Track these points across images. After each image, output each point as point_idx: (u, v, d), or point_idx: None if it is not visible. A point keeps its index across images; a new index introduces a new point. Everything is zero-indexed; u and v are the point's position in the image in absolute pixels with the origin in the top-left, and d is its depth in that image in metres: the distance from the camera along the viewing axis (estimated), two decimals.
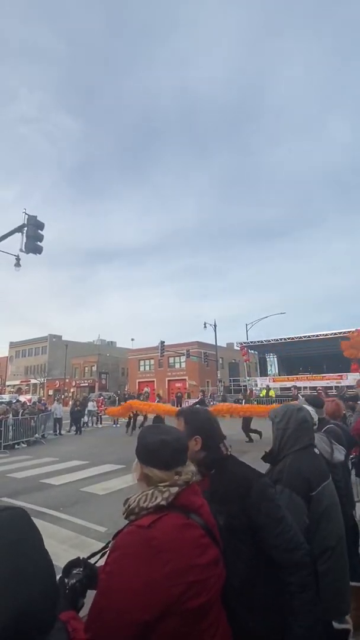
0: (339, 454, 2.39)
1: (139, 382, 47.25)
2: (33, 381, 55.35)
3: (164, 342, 33.50)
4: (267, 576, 1.25)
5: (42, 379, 53.75)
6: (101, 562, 1.10)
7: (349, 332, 25.71)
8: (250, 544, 1.26)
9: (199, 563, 1.00)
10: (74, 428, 16.98)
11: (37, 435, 14.37)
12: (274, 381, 29.44)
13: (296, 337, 28.51)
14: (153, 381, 45.88)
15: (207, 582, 1.01)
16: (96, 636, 0.91)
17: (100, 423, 19.83)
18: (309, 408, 2.45)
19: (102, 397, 20.35)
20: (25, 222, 10.96)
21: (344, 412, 3.76)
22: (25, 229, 10.94)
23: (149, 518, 1.02)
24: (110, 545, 1.06)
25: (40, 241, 11.11)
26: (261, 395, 21.75)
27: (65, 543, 4.44)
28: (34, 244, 10.96)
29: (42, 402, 23.62)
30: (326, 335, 27.34)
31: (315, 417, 2.60)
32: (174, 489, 1.08)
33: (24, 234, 10.94)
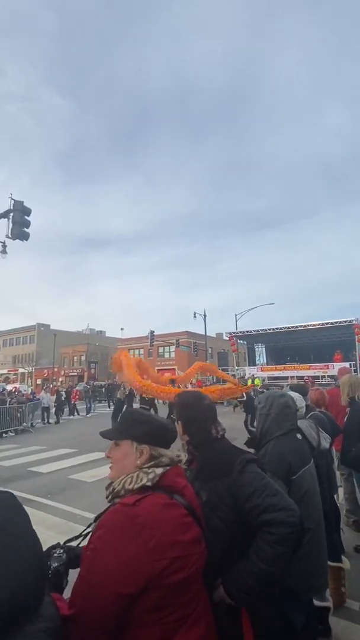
0: (325, 442, 2.45)
1: None
2: (21, 370, 54.87)
3: (153, 331, 33.52)
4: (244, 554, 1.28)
5: (30, 368, 53.33)
6: (84, 544, 1.12)
7: (336, 322, 26.11)
8: (230, 522, 1.28)
9: (182, 540, 1.04)
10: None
11: (25, 424, 14.32)
12: (262, 370, 29.84)
13: (284, 328, 28.83)
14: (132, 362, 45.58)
15: (188, 558, 1.04)
16: (81, 610, 0.94)
17: (77, 414, 19.13)
18: (295, 395, 2.49)
19: (76, 389, 20.16)
20: (11, 208, 10.70)
21: (326, 400, 3.82)
22: (12, 214, 10.69)
23: (134, 497, 1.06)
24: (93, 526, 1.09)
25: (27, 227, 10.88)
26: (256, 383, 22.01)
27: (53, 529, 4.47)
28: (20, 230, 10.73)
29: (32, 391, 23.52)
30: (314, 325, 27.72)
31: (303, 404, 2.65)
32: (159, 470, 1.12)
33: (10, 220, 10.69)
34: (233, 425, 12.28)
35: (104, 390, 23.87)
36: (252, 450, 1.98)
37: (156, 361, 46.05)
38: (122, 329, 61.93)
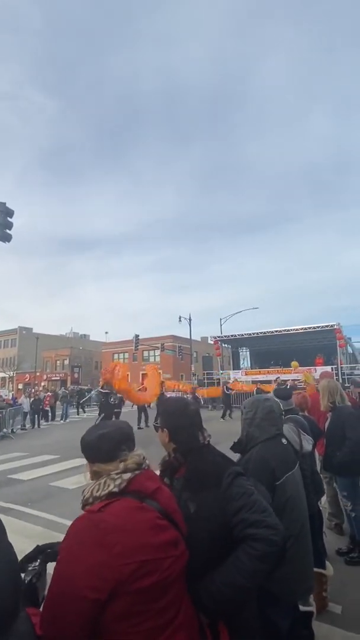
0: (307, 444, 2.47)
1: None
2: (2, 375, 53.60)
3: (138, 335, 33.34)
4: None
5: (12, 373, 52.14)
6: None
7: (318, 326, 26.60)
8: (216, 533, 1.26)
9: (152, 542, 1.02)
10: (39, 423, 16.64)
11: (5, 429, 13.95)
12: (246, 374, 30.07)
13: (268, 332, 29.15)
14: (127, 375, 45.44)
15: (161, 562, 1.02)
16: (51, 622, 0.92)
17: (52, 420, 18.80)
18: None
19: (49, 393, 19.76)
20: None
21: (309, 404, 3.86)
22: None
23: (101, 504, 1.05)
24: None
25: (10, 229, 10.67)
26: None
27: (33, 538, 4.34)
28: (2, 232, 10.50)
29: (13, 396, 22.92)
30: (296, 330, 28.14)
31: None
32: (126, 475, 1.12)
33: None
34: (219, 429, 12.56)
35: (79, 395, 23.26)
36: (237, 455, 1.99)
37: (141, 365, 45.78)
38: (106, 332, 61.43)
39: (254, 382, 26.11)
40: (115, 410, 12.31)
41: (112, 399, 11.96)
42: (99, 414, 12.01)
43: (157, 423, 1.70)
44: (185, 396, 17.78)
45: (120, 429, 1.23)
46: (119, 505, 1.04)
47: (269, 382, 22.46)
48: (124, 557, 0.96)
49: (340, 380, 16.57)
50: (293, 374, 22.46)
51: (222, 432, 11.31)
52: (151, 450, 1.46)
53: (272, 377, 24.90)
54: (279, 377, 17.75)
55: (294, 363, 17.88)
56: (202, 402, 20.57)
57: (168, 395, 14.18)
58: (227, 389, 18.49)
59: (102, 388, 12.55)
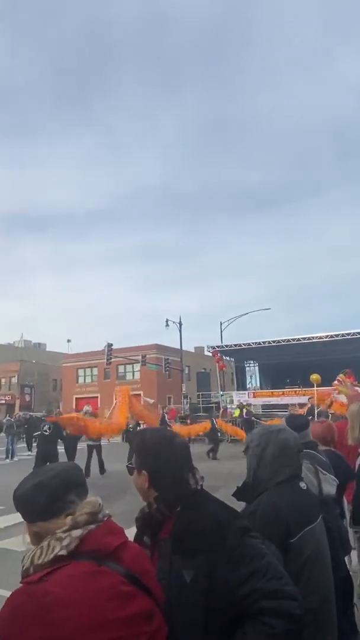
0: (330, 486, 2.50)
1: (76, 399, 46.64)
2: None
3: (111, 344, 33.35)
4: None
5: None
6: None
7: (348, 334, 26.95)
8: (218, 608, 1.27)
9: (115, 617, 1.02)
10: None
11: None
12: (254, 396, 30.28)
13: (283, 341, 29.45)
14: (96, 397, 45.41)
15: None
16: None
17: None
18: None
19: None
20: None
21: (335, 436, 3.91)
22: None
23: (43, 572, 1.05)
24: None
25: None
26: (235, 415, 22.25)
27: None
28: None
29: None
30: (320, 338, 28.50)
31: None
32: (77, 532, 1.11)
33: None
34: (215, 469, 12.53)
35: (29, 425, 22.99)
36: (242, 504, 2.00)
37: (115, 384, 45.58)
38: (69, 340, 61.29)
39: (264, 406, 26.24)
40: (69, 444, 12.07)
41: (45, 428, 11.79)
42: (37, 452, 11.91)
43: (131, 463, 1.72)
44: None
45: (65, 472, 1.23)
46: (68, 571, 1.04)
47: (284, 406, 22.62)
48: (82, 637, 0.96)
49: None
50: (305, 395, 22.63)
51: (221, 474, 11.37)
52: (127, 499, 1.46)
53: (288, 399, 25.10)
54: (311, 398, 17.83)
55: (315, 377, 17.88)
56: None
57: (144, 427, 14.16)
58: (248, 415, 18.75)
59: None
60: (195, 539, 1.34)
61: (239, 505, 1.98)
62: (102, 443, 14.21)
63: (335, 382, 19.42)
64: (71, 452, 13.13)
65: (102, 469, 13.40)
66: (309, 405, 18.84)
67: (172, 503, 1.43)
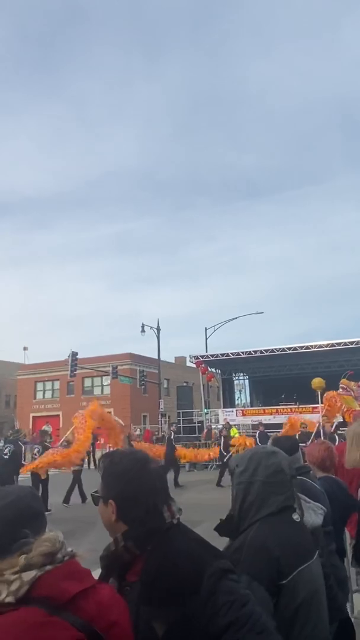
0: (314, 515, 2.51)
1: (33, 417, 46.11)
2: None
3: (77, 353, 33.09)
4: None
5: None
6: None
7: (353, 342, 27.29)
8: None
9: None
10: None
11: None
12: (243, 414, 30.39)
13: (278, 349, 29.65)
14: (58, 415, 45.02)
15: None
16: None
17: None
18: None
19: None
20: None
21: (336, 460, 3.94)
22: None
23: None
24: None
25: None
26: (232, 434, 22.28)
27: None
28: None
29: None
30: (320, 346, 28.79)
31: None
32: (29, 575, 1.10)
33: None
34: (198, 501, 12.47)
35: None
36: (226, 540, 2.00)
37: (80, 400, 45.24)
38: (25, 348, 59.89)
39: (255, 426, 26.37)
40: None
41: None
42: None
43: (97, 492, 1.71)
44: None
45: (18, 501, 1.22)
46: (11, 618, 1.02)
47: (278, 425, 22.77)
48: None
49: None
50: (314, 414, 22.83)
51: (204, 506, 11.33)
52: (96, 535, 1.46)
53: (282, 417, 25.26)
54: (323, 418, 17.88)
55: (318, 381, 17.79)
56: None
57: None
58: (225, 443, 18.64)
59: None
60: (166, 584, 1.33)
61: (222, 542, 1.99)
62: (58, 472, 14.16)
63: (340, 389, 19.68)
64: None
65: (77, 498, 13.43)
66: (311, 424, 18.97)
67: (142, 540, 1.42)
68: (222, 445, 18.44)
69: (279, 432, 17.14)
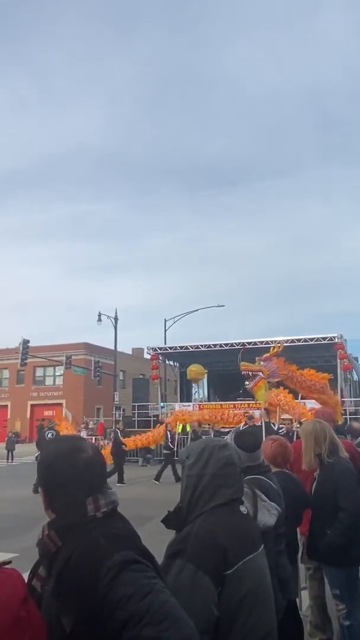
0: (268, 515, 2.55)
1: None
2: None
3: (28, 341, 32.52)
4: None
5: None
6: None
7: (312, 339, 27.87)
8: None
9: None
10: None
11: None
12: (200, 409, 30.57)
13: (237, 344, 29.97)
14: (6, 406, 44.25)
15: None
16: None
17: None
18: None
19: None
20: None
21: (290, 456, 4.01)
22: None
23: None
24: None
25: None
26: (178, 431, 22.38)
27: None
28: None
29: None
30: (279, 342, 29.23)
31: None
32: None
33: None
34: (151, 496, 12.50)
35: None
36: (172, 532, 2.03)
37: (30, 391, 44.61)
38: None
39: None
40: None
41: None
42: None
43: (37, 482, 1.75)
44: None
45: None
46: None
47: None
48: None
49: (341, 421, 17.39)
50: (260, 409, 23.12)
51: (156, 502, 11.35)
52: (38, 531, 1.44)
53: (238, 412, 25.58)
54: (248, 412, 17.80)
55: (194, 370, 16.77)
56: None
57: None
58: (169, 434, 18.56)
59: None
60: (68, 580, 1.33)
61: (169, 535, 2.02)
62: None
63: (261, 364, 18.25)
64: None
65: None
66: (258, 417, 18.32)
67: (61, 531, 1.43)
68: (169, 440, 18.30)
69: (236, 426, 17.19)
